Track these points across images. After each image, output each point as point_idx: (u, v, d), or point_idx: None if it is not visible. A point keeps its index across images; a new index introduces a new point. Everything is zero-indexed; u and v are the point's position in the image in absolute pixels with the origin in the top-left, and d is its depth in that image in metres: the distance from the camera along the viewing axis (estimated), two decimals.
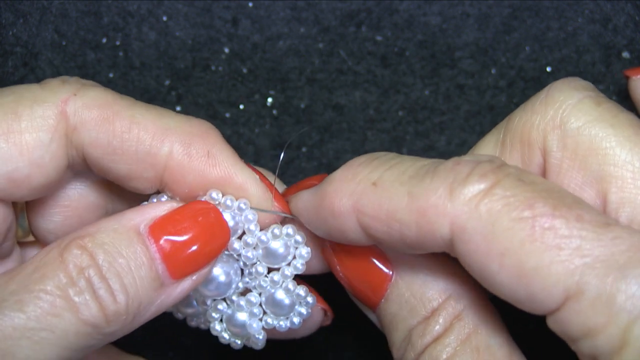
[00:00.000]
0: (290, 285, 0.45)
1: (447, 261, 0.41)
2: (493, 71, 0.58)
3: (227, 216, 0.43)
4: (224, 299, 0.46)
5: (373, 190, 0.38)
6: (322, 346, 0.60)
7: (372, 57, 0.58)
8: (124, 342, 0.47)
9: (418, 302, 0.40)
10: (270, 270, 0.45)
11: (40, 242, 0.47)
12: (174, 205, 0.42)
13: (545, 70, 0.58)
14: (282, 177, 0.49)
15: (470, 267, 0.36)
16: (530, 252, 0.33)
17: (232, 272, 0.44)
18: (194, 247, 0.41)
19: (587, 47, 0.58)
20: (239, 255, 0.44)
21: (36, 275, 0.37)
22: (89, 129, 0.41)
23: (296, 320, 0.46)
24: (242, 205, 0.43)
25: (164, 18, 0.57)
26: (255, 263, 0.45)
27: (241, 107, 0.59)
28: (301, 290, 0.45)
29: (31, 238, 0.47)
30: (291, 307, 0.45)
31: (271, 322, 0.46)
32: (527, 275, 0.33)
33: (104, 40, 0.58)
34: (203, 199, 0.43)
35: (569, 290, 0.33)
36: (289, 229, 0.44)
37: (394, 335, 0.42)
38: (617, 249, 0.32)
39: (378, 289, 0.42)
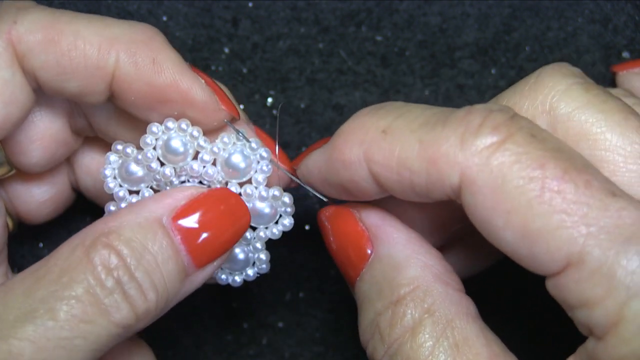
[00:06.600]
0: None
1: (424, 252, 0.40)
2: (493, 71, 0.58)
3: (242, 156, 0.43)
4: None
5: (383, 138, 0.37)
6: (322, 346, 0.60)
7: (372, 57, 0.58)
8: None
9: (387, 286, 0.40)
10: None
11: (22, 172, 0.47)
12: (192, 192, 0.42)
13: None
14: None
15: (475, 219, 0.35)
16: (537, 213, 0.33)
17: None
18: (218, 236, 0.41)
19: (587, 47, 0.58)
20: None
21: (64, 280, 0.37)
22: (37, 53, 0.40)
23: (276, 230, 0.46)
24: (264, 154, 0.44)
25: (164, 18, 0.57)
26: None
27: (241, 107, 0.59)
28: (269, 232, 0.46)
29: (10, 172, 0.46)
30: (248, 258, 0.46)
31: (249, 236, 0.46)
32: (531, 235, 0.33)
33: None
34: (155, 127, 0.43)
35: (571, 257, 0.33)
36: (277, 191, 0.44)
37: (361, 316, 0.41)
38: (622, 221, 0.32)
39: (356, 267, 0.42)
